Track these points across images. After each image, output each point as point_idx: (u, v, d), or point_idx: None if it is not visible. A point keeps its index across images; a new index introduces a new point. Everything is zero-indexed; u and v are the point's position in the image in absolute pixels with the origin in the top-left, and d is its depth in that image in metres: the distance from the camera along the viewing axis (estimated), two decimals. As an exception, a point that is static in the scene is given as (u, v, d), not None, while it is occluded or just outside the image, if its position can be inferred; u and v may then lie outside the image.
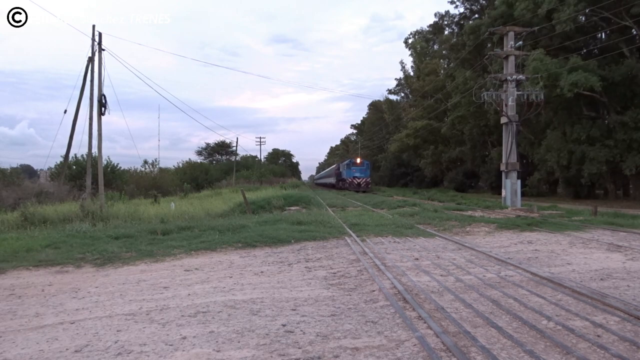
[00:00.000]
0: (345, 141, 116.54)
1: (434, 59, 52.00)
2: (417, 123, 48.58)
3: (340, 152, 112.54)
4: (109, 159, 34.28)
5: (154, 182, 38.41)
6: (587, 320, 4.18)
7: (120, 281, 6.61)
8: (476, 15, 41.31)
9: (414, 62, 57.57)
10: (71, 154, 25.10)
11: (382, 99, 72.32)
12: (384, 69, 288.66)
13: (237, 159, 71.41)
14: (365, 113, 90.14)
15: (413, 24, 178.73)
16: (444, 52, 48.94)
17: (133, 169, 43.48)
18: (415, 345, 3.66)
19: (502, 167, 22.52)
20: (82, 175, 27.03)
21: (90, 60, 20.36)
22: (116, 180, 33.64)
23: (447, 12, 48.12)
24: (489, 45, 31.54)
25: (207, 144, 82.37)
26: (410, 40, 55.74)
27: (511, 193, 21.91)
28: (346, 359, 3.44)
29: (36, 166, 77.74)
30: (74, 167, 31.75)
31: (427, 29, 53.43)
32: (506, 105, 21.92)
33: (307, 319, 4.42)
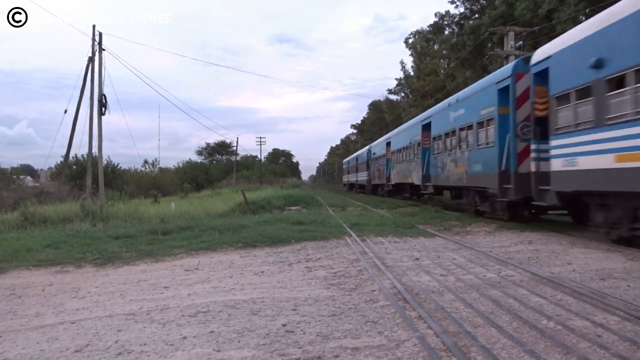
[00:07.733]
0: (346, 141, 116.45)
1: (434, 59, 51.92)
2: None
3: (340, 152, 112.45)
4: (109, 158, 34.37)
5: (154, 182, 38.54)
6: (587, 320, 4.18)
7: (121, 281, 6.62)
8: (476, 15, 41.25)
9: (414, 62, 57.47)
10: (71, 154, 25.15)
11: (382, 99, 72.28)
12: (386, 68, 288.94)
13: (237, 159, 71.42)
14: (366, 113, 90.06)
15: (415, 24, 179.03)
16: (444, 52, 48.85)
17: (133, 169, 43.68)
18: (415, 345, 3.66)
19: None
20: (82, 175, 27.06)
21: (91, 60, 20.39)
22: (116, 180, 33.73)
23: (447, 12, 47.79)
24: (489, 45, 31.52)
25: (207, 144, 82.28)
26: (410, 40, 55.63)
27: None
28: (346, 359, 3.44)
29: (36, 166, 77.90)
30: (74, 167, 31.82)
31: (428, 29, 53.37)
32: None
33: (307, 319, 4.43)
